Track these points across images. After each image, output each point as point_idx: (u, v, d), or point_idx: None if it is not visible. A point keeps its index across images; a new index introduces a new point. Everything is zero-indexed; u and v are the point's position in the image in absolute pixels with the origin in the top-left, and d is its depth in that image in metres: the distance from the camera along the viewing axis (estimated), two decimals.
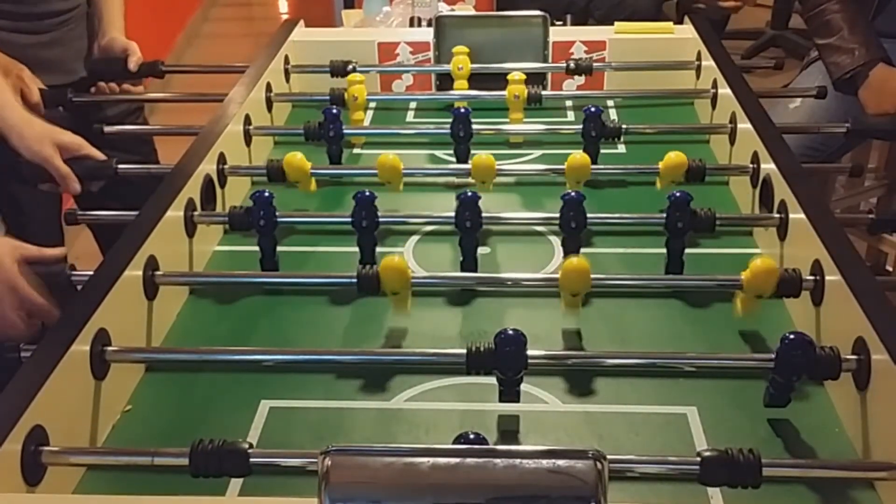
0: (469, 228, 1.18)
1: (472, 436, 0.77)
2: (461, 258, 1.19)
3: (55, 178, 1.31)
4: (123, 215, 1.22)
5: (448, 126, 1.47)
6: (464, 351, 0.94)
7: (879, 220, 1.21)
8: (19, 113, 1.33)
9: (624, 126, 1.48)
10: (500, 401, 0.94)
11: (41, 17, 1.60)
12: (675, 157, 1.32)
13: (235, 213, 1.22)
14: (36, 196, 1.34)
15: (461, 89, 1.68)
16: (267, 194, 1.20)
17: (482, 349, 0.93)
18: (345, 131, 1.48)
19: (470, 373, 0.94)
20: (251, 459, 0.82)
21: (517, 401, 0.94)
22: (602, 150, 1.47)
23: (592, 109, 1.45)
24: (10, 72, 1.50)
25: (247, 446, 0.82)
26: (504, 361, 0.92)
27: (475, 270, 1.19)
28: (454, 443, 0.77)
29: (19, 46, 1.55)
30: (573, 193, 1.19)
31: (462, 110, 1.46)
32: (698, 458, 0.81)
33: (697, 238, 1.24)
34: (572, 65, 1.70)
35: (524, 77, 1.61)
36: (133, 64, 1.66)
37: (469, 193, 1.18)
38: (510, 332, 0.92)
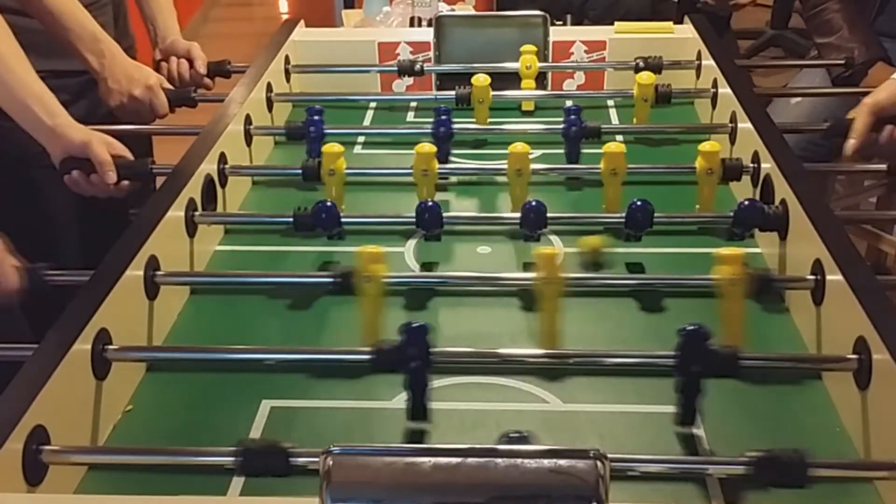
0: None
1: (514, 434, 0.77)
2: None
3: (90, 166, 1.29)
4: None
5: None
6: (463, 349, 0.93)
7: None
8: (67, 119, 1.32)
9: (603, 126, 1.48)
10: (410, 418, 0.93)
11: None
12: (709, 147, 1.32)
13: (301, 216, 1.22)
14: (58, 182, 1.34)
15: (528, 88, 1.69)
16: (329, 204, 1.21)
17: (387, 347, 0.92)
18: (326, 131, 1.48)
19: (377, 371, 0.94)
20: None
21: (426, 418, 0.93)
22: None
23: (572, 108, 1.46)
24: (138, 84, 1.52)
25: (288, 446, 0.82)
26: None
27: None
28: (497, 442, 0.77)
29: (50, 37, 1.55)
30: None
31: (443, 108, 1.46)
32: (747, 460, 0.81)
33: (697, 238, 1.25)
34: (641, 63, 1.69)
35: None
36: (201, 67, 1.69)
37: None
38: (415, 323, 0.91)
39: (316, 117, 1.47)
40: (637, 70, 1.67)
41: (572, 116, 1.45)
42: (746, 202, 1.18)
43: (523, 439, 0.75)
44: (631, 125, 1.60)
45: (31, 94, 1.28)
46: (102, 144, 1.28)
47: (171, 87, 1.61)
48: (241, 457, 0.82)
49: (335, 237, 1.22)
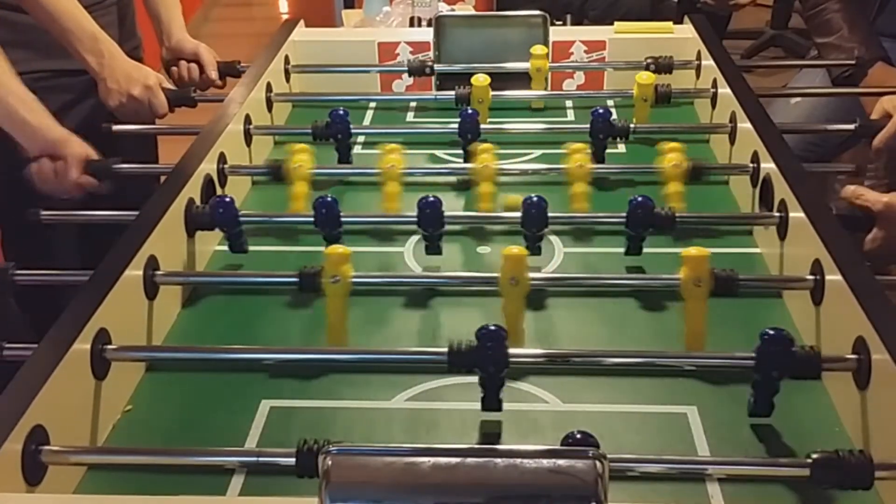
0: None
1: (578, 435, 0.77)
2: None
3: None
4: (86, 215, 1.23)
5: (447, 125, 1.47)
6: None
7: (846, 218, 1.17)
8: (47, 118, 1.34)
9: (632, 125, 1.49)
10: (483, 409, 0.94)
11: None
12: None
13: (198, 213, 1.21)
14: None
15: (538, 89, 1.70)
16: (228, 198, 1.20)
17: (463, 347, 0.93)
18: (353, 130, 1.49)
19: (452, 371, 0.94)
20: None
21: (499, 409, 0.94)
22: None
23: (601, 111, 1.46)
24: (137, 84, 1.53)
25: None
26: (486, 359, 0.92)
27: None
28: (562, 443, 0.77)
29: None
30: (535, 198, 1.18)
31: (470, 111, 1.46)
32: (809, 461, 0.81)
33: (697, 238, 1.25)
34: (653, 66, 1.69)
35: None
36: (213, 74, 1.70)
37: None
38: (492, 327, 0.92)
39: (342, 112, 1.46)
40: (647, 70, 1.67)
41: (600, 118, 1.45)
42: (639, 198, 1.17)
43: (586, 439, 0.75)
44: (633, 124, 1.59)
45: (9, 91, 1.30)
46: (80, 145, 1.31)
47: (170, 87, 1.61)
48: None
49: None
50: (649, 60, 1.69)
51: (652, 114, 1.59)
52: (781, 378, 0.92)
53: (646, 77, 1.58)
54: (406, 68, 1.73)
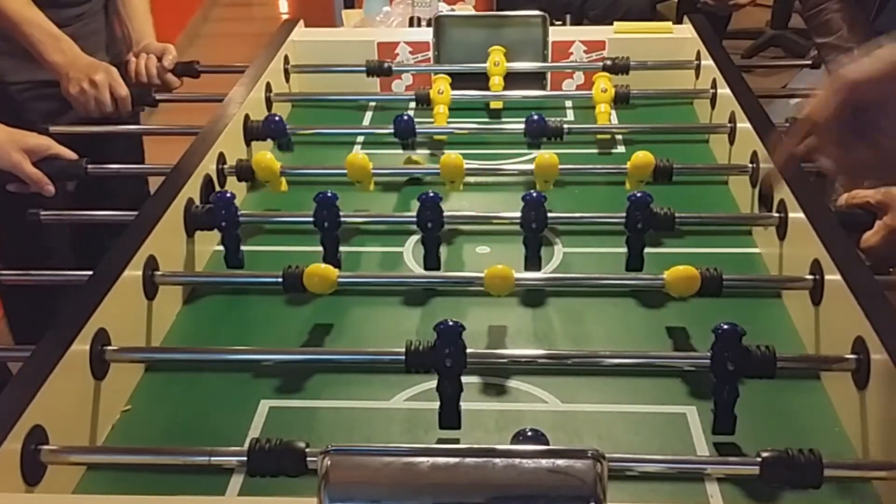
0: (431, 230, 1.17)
1: (529, 433, 0.77)
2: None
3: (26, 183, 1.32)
4: (85, 215, 1.22)
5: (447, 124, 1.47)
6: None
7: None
8: None
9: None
10: (441, 426, 0.92)
11: (59, 13, 1.62)
12: (642, 157, 1.32)
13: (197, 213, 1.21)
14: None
15: (496, 87, 1.69)
16: (229, 194, 1.19)
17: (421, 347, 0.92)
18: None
19: (409, 371, 0.93)
20: None
21: (458, 426, 0.93)
22: (600, 151, 1.47)
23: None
24: (98, 69, 1.56)
25: (304, 445, 0.82)
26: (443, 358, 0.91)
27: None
28: (512, 440, 0.77)
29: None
30: (534, 194, 1.17)
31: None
32: (759, 459, 0.81)
33: (697, 238, 1.25)
34: (609, 63, 1.70)
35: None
36: (168, 62, 1.71)
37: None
38: (450, 323, 0.91)
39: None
40: (605, 70, 1.68)
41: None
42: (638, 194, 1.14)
43: (536, 437, 0.75)
44: (632, 124, 1.60)
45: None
46: (24, 161, 1.29)
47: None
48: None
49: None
50: (606, 61, 1.70)
51: (651, 113, 1.60)
52: (738, 377, 0.91)
53: (604, 76, 1.62)
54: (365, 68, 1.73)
